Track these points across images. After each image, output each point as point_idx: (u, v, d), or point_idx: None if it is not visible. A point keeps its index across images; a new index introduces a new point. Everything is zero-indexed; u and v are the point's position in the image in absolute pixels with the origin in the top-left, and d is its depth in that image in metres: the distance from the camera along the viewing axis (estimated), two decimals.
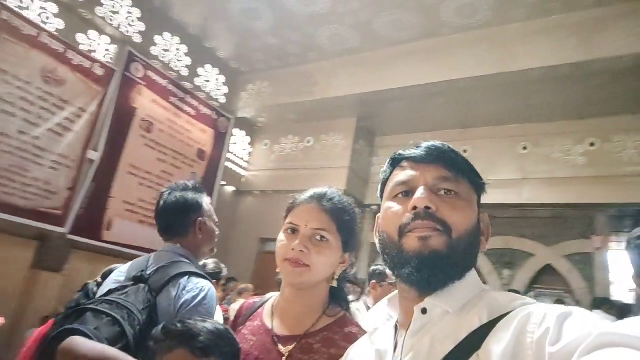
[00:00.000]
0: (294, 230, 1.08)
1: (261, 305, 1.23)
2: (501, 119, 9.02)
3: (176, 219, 1.53)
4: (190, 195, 1.55)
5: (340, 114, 9.73)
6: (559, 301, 7.63)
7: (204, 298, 1.30)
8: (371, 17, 7.67)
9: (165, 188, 1.62)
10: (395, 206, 0.74)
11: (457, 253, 0.67)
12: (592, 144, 8.28)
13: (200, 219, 1.56)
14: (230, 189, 10.42)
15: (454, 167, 0.73)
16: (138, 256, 1.60)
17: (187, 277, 1.33)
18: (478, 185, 0.75)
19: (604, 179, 7.95)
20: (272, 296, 1.24)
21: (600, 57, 6.49)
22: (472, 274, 0.70)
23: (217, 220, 1.66)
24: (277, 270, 1.12)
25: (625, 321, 0.46)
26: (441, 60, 7.84)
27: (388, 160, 0.83)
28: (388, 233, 0.73)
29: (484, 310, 0.61)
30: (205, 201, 1.62)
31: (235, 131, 10.23)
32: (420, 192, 0.71)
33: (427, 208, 0.69)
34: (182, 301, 1.28)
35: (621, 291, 9.41)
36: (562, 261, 8.36)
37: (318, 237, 1.06)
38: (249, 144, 10.89)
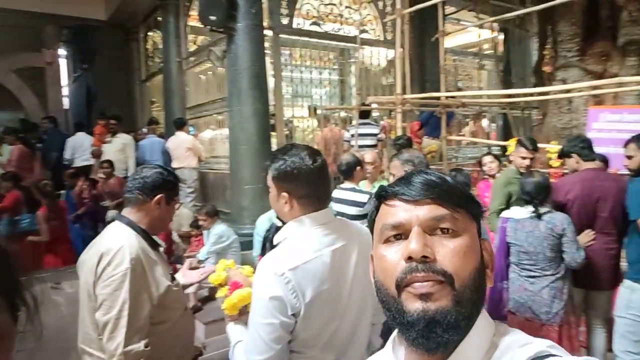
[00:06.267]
0: None
1: None
2: None
3: None
4: None
5: None
6: None
7: None
8: None
9: None
10: (388, 254, 0.65)
11: (465, 303, 0.61)
12: None
13: None
14: None
15: (451, 201, 0.65)
16: None
17: None
18: (477, 213, 0.69)
19: None
20: None
21: None
22: (481, 317, 0.65)
23: None
24: None
25: None
26: None
27: (373, 195, 0.73)
28: (385, 286, 0.65)
29: None
30: None
31: None
32: (414, 238, 0.62)
33: (424, 257, 0.61)
34: None
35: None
36: (11, 76, 7.43)
37: None
38: None
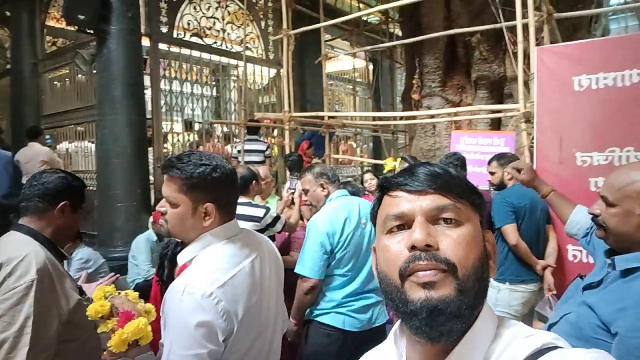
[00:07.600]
0: None
1: None
2: None
3: None
4: None
5: None
6: None
7: None
8: None
9: None
10: (392, 244, 0.65)
11: (467, 292, 0.61)
12: None
13: None
14: None
15: (453, 191, 0.66)
16: None
17: None
18: (479, 204, 0.70)
19: None
20: None
21: None
22: (485, 308, 0.65)
23: None
24: None
25: None
26: None
27: (377, 187, 0.75)
28: (388, 276, 0.65)
29: (508, 357, 0.61)
30: None
31: None
32: (417, 227, 0.63)
33: (427, 246, 0.61)
34: None
35: None
36: None
37: None
38: None
